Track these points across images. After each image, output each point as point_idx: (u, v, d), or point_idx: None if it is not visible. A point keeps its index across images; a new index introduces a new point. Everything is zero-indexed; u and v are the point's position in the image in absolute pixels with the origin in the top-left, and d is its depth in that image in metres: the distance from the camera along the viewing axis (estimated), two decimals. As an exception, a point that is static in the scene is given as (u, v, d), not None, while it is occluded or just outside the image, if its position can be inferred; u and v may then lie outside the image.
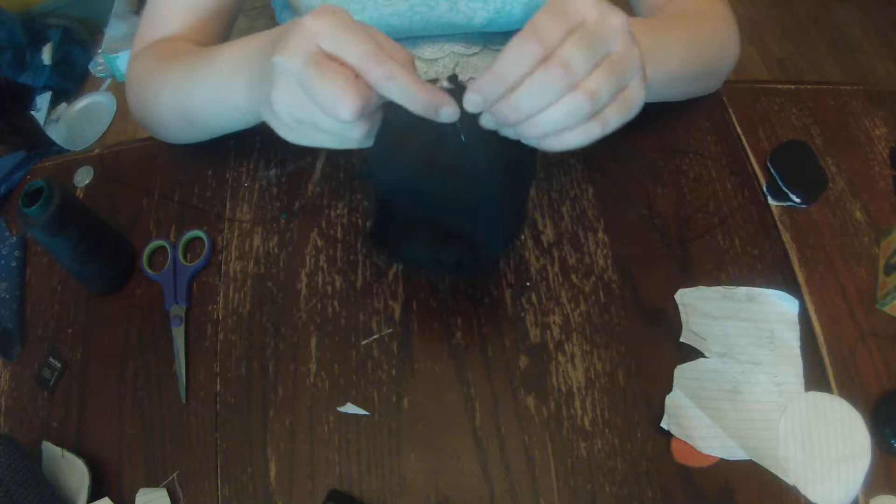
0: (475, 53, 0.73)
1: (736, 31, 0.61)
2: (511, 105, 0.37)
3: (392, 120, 0.40)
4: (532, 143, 0.40)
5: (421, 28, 0.69)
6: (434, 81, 0.43)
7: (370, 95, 0.37)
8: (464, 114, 0.38)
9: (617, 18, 0.38)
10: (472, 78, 0.39)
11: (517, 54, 0.36)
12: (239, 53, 0.49)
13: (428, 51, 0.72)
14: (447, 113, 0.38)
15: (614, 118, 0.39)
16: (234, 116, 0.53)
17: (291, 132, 0.41)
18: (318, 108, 0.37)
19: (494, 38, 0.74)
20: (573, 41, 0.37)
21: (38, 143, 1.61)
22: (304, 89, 0.37)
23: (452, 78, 0.43)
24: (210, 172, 0.67)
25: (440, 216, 0.45)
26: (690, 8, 0.60)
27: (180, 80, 0.55)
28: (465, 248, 0.47)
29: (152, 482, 0.52)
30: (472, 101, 0.38)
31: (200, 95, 0.53)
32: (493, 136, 0.40)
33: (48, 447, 0.53)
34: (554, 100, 0.37)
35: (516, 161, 0.43)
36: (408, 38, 0.72)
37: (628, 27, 0.38)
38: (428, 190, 0.42)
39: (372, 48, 0.36)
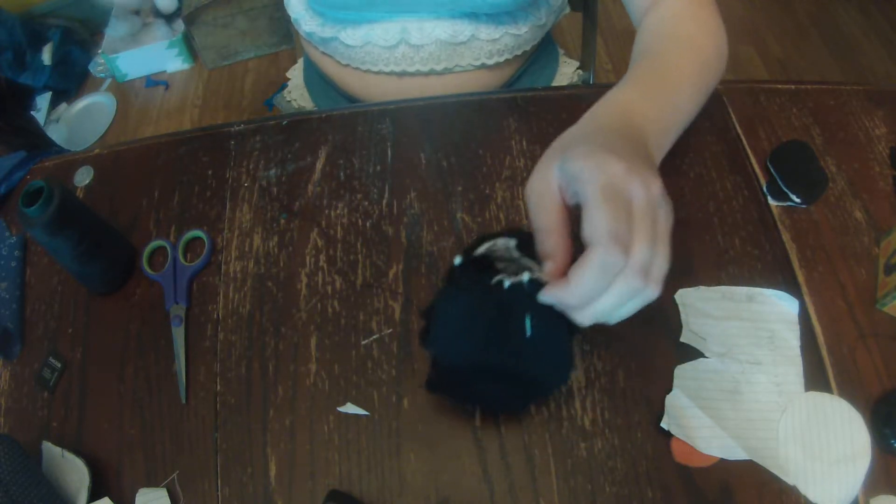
0: (462, 43, 0.73)
1: (724, 31, 0.59)
2: (582, 308, 0.39)
3: (453, 296, 0.43)
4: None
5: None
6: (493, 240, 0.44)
7: None
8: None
9: (656, 185, 0.39)
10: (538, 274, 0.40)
11: (600, 268, 0.36)
12: None
13: (415, 36, 0.71)
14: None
15: (661, 269, 0.38)
16: None
17: None
18: None
19: (483, 22, 0.72)
20: (642, 241, 0.36)
21: (38, 143, 1.61)
22: None
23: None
24: (210, 172, 0.67)
25: (501, 365, 0.44)
26: (685, 13, 0.58)
27: None
28: (523, 388, 0.47)
29: (152, 482, 0.52)
30: (547, 300, 0.40)
31: None
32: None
33: (48, 447, 0.53)
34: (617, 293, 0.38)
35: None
36: (393, 11, 0.71)
37: (661, 186, 0.39)
38: (492, 357, 0.43)
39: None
